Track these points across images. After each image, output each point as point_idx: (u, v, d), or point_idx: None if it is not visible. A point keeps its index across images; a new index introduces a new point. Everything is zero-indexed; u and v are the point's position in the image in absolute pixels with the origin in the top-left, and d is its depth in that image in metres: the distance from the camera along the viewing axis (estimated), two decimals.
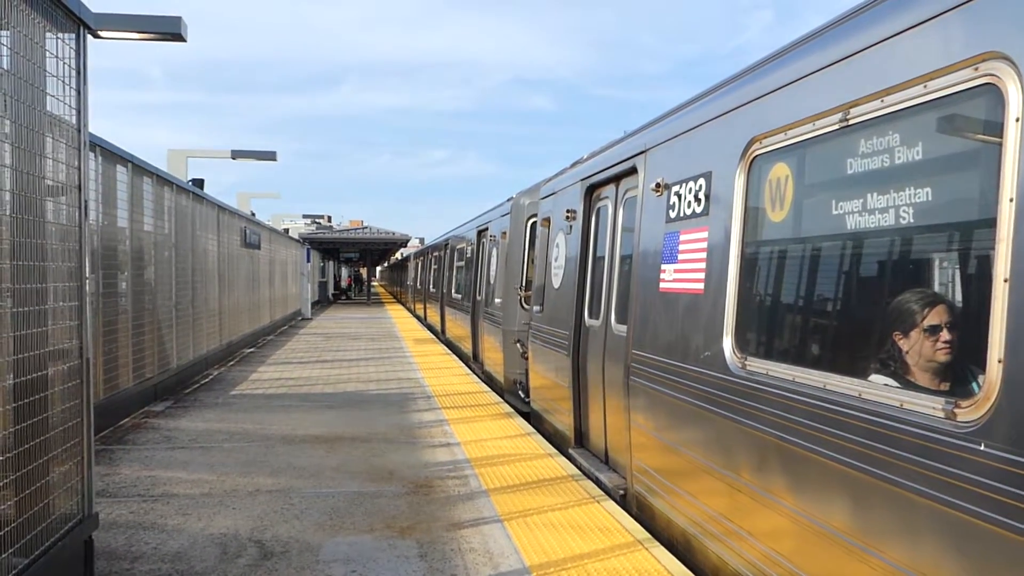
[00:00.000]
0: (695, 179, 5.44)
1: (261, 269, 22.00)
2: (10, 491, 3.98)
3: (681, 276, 5.53)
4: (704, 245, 5.23)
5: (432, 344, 20.68)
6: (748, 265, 4.78)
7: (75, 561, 4.55)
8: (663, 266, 5.84)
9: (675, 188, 5.77)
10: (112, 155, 9.53)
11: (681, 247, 5.57)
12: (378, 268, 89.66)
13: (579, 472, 7.43)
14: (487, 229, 15.30)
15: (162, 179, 11.71)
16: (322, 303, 45.35)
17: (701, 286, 5.21)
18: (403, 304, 45.39)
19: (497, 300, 13.42)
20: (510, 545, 5.45)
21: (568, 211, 8.62)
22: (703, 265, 5.22)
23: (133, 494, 6.68)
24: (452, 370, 15.25)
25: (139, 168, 10.49)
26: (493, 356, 13.74)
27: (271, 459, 7.89)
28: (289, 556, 5.26)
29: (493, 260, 14.27)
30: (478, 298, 15.78)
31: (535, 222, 11.60)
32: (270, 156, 19.02)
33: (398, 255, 65.56)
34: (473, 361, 16.32)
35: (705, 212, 5.26)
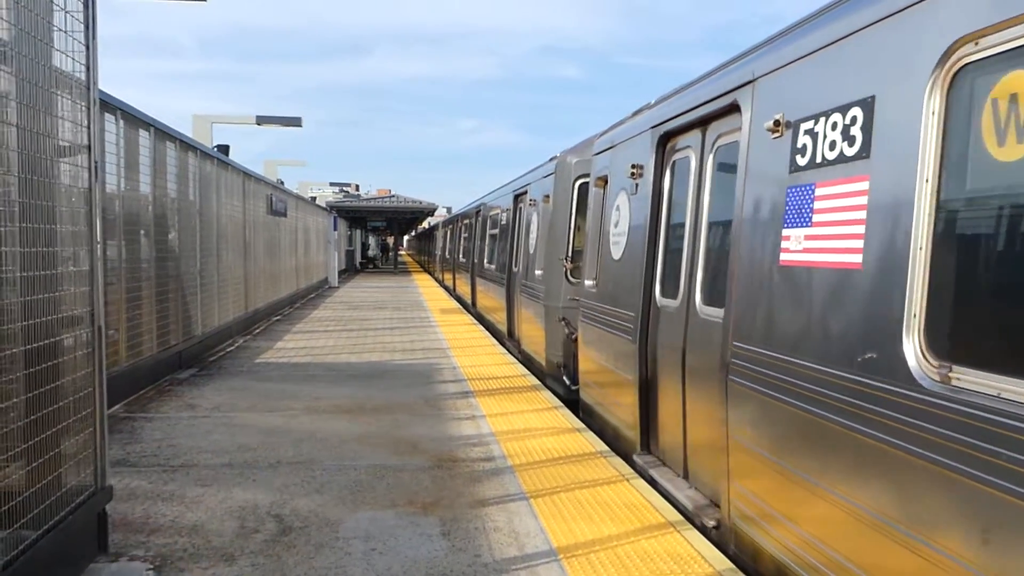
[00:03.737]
0: (843, 110, 4.03)
1: (287, 237, 21.91)
2: (21, 462, 3.86)
3: (819, 244, 4.14)
4: (863, 201, 3.81)
5: (459, 314, 20.49)
6: (949, 227, 3.35)
7: (87, 534, 4.43)
8: (786, 231, 4.39)
9: (806, 125, 4.34)
10: (135, 119, 9.37)
11: (818, 205, 4.18)
12: (405, 237, 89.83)
13: (644, 481, 6.21)
14: (525, 193, 13.85)
15: (186, 144, 11.56)
16: (349, 271, 45.40)
17: (858, 258, 3.80)
18: (430, 274, 45.24)
19: (537, 272, 12.01)
20: None
21: (634, 167, 7.09)
22: (862, 229, 3.81)
23: (153, 464, 6.58)
24: (484, 348, 14.00)
25: (162, 133, 10.34)
26: (532, 334, 12.40)
27: (293, 429, 7.77)
28: (308, 531, 5.11)
29: (533, 227, 12.80)
30: (514, 269, 14.39)
31: (584, 183, 10.41)
32: (295, 122, 18.83)
33: (425, 224, 65.43)
34: (508, 339, 14.89)
35: (864, 154, 3.83)
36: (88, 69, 4.34)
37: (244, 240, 15.83)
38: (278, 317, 19.05)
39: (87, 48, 4.33)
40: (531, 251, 12.71)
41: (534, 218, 12.73)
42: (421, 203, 44.48)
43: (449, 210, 57.71)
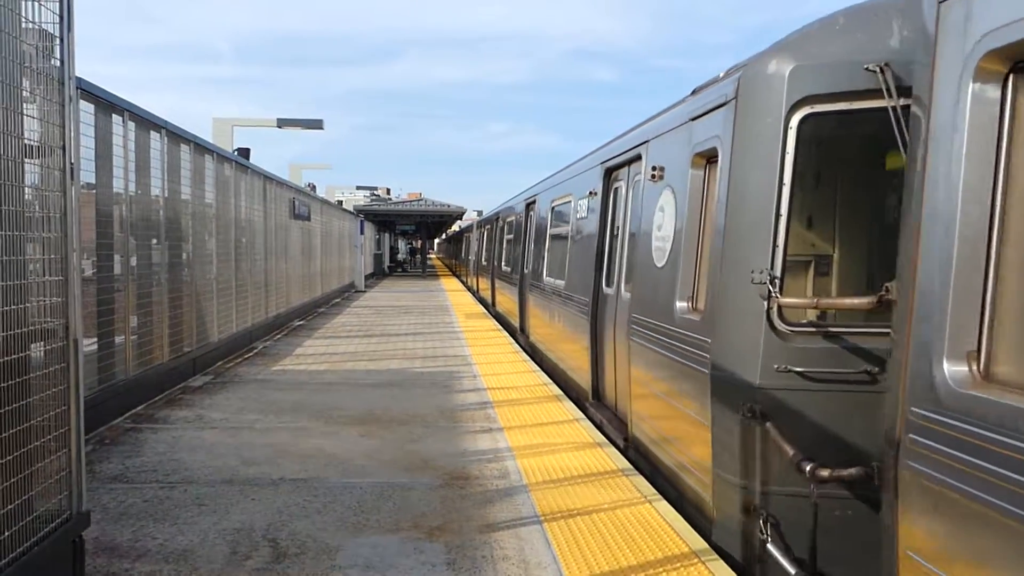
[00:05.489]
0: None
1: (311, 241, 21.71)
2: None
3: None
4: None
5: (492, 328, 20.11)
6: None
7: (61, 564, 4.11)
8: None
9: None
10: (145, 121, 9.14)
11: None
12: (436, 241, 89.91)
13: None
14: (638, 159, 7.89)
15: (201, 147, 11.33)
16: (377, 275, 45.28)
17: None
18: (461, 279, 44.60)
19: (679, 304, 6.17)
20: None
21: None
22: None
23: (151, 480, 6.28)
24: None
25: (175, 135, 10.10)
26: (664, 425, 6.57)
27: (301, 443, 7.44)
28: (303, 559, 4.76)
29: (663, 218, 6.85)
30: (606, 290, 8.87)
31: (823, 115, 4.94)
32: (317, 125, 18.61)
33: (455, 227, 65.16)
34: (593, 403, 9.18)
35: None
36: (63, 63, 4.04)
37: (265, 244, 15.62)
38: (301, 322, 18.83)
39: (62, 41, 4.02)
40: (655, 261, 6.91)
41: (666, 201, 6.78)
42: (449, 206, 44.30)
43: (479, 213, 57.31)
